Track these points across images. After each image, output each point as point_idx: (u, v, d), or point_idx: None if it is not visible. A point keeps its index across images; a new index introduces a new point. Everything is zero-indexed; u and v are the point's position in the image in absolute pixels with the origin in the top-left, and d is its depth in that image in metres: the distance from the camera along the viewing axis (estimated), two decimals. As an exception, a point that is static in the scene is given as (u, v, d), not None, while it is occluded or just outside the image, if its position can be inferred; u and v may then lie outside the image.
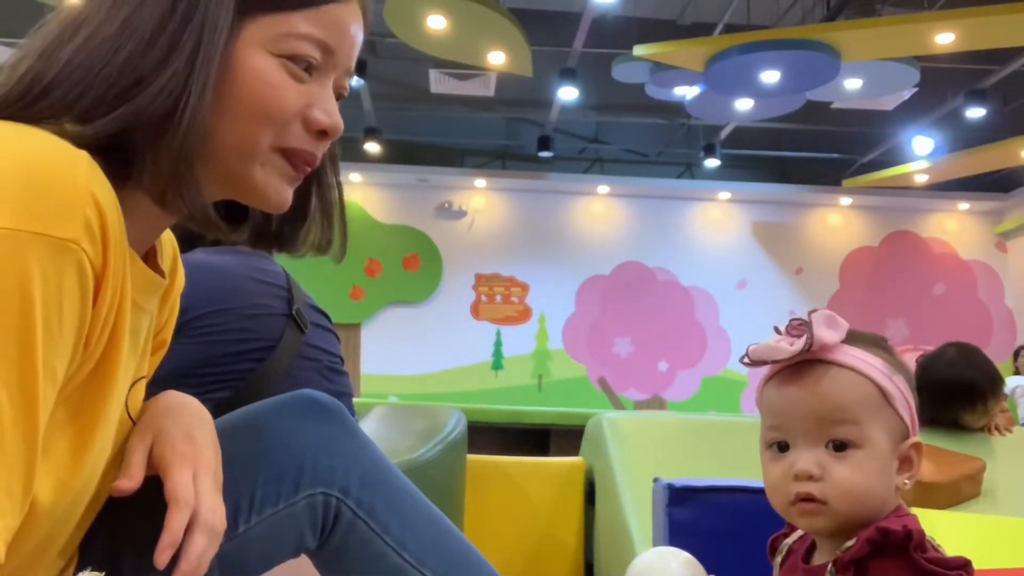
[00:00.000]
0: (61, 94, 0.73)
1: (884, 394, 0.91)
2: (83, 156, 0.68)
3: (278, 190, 0.82)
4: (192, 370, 1.61)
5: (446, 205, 10.87)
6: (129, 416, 0.84)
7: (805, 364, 0.92)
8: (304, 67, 0.80)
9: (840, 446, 0.89)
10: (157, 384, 1.58)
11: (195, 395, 1.58)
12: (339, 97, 0.86)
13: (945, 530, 1.43)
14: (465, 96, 9.16)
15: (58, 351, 0.65)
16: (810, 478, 0.89)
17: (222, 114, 0.76)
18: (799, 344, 0.91)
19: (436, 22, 6.08)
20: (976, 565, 1.35)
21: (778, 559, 0.97)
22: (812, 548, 0.95)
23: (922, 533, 0.86)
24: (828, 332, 0.93)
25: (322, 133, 0.82)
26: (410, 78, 9.08)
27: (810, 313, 0.95)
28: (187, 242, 1.74)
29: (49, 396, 0.65)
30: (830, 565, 0.88)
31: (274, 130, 0.79)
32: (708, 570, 1.02)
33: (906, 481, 0.91)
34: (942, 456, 2.19)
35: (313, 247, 0.95)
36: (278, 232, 0.92)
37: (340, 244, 0.97)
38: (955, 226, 11.27)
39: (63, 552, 0.82)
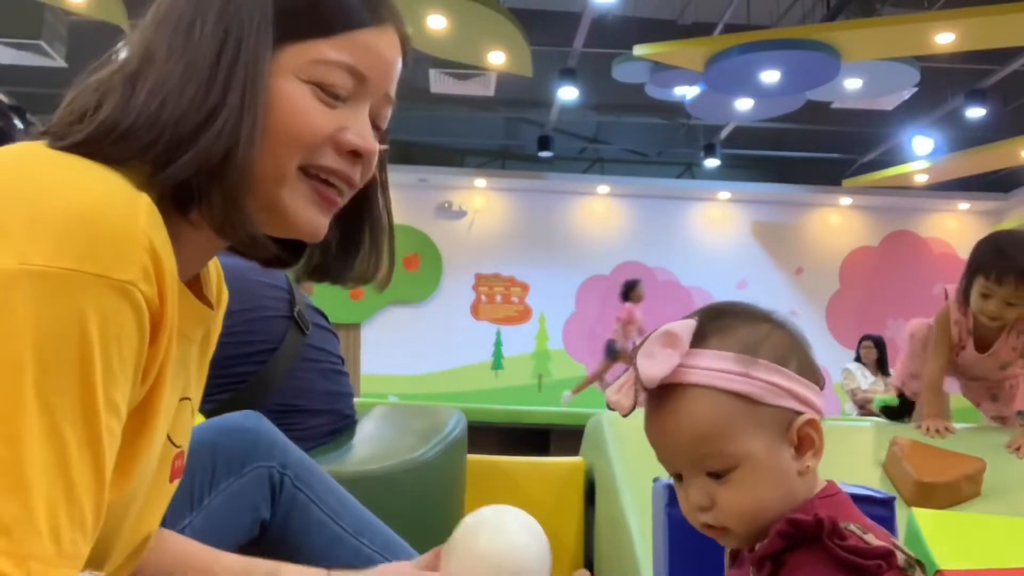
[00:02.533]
0: (138, 140, 0.74)
1: (744, 398, 0.85)
2: (143, 200, 0.70)
3: (309, 216, 0.81)
4: None
5: (446, 205, 10.87)
6: (170, 440, 0.85)
7: (660, 392, 0.87)
8: (334, 94, 0.80)
9: (716, 475, 0.86)
10: None
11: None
12: (377, 127, 0.85)
13: (945, 530, 1.43)
14: (465, 96, 9.16)
15: (118, 386, 0.67)
16: (703, 509, 0.87)
17: (259, 145, 0.77)
18: (629, 397, 0.87)
19: (436, 22, 6.08)
20: (976, 565, 1.34)
21: (728, 550, 0.95)
22: None
23: (834, 520, 0.81)
24: (653, 365, 0.85)
25: (354, 155, 0.81)
26: (410, 78, 9.04)
27: (637, 346, 0.88)
28: None
29: (114, 430, 0.67)
30: (751, 565, 0.86)
31: (302, 154, 0.79)
32: (707, 571, 1.02)
33: (807, 464, 0.86)
34: (942, 456, 2.19)
35: (360, 279, 0.94)
36: (329, 264, 0.93)
37: (387, 274, 0.95)
38: (955, 226, 11.27)
39: None
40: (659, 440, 0.90)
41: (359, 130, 0.81)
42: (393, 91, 0.86)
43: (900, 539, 1.01)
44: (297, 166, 0.79)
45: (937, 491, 2.08)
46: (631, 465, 2.10)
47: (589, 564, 2.36)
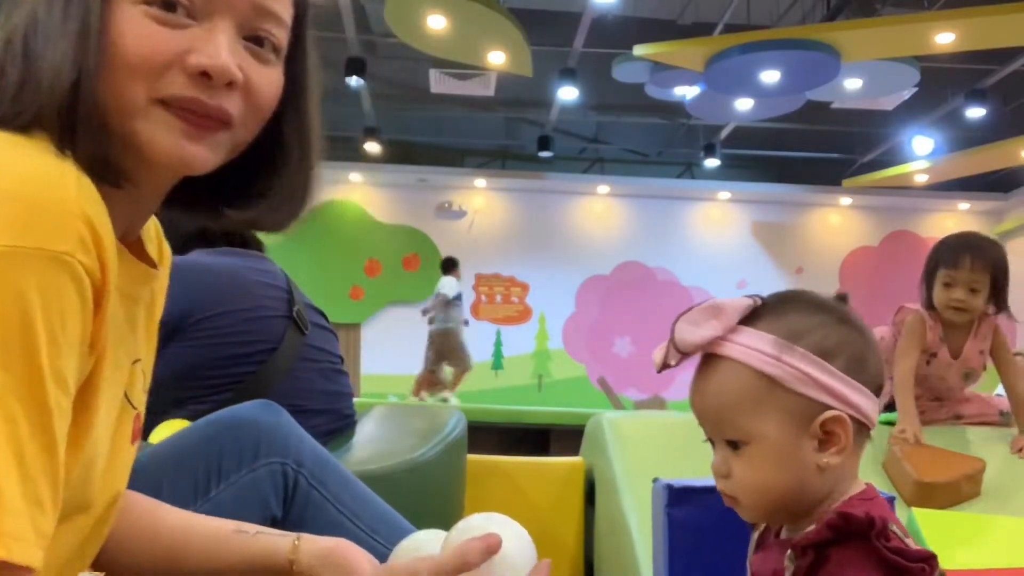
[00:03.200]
0: (13, 93, 0.72)
1: (770, 380, 0.87)
2: (70, 169, 0.69)
3: (169, 143, 0.74)
4: (196, 372, 1.61)
5: (446, 205, 10.87)
6: (128, 400, 0.84)
7: (704, 359, 0.91)
8: (172, 11, 0.73)
9: (734, 444, 0.89)
10: (161, 386, 1.58)
11: (197, 397, 1.58)
12: (258, 40, 0.77)
13: (945, 530, 1.43)
14: (465, 96, 9.17)
15: (64, 358, 0.66)
16: (721, 475, 0.91)
17: (103, 76, 0.72)
18: (661, 354, 0.91)
19: (436, 22, 6.08)
20: (976, 565, 1.35)
21: (755, 534, 0.96)
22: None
23: (885, 520, 0.82)
24: (693, 332, 0.89)
25: (206, 76, 0.73)
26: (410, 78, 9.08)
27: (680, 315, 0.91)
28: (184, 244, 1.74)
29: (63, 403, 0.66)
30: (788, 550, 0.86)
31: (146, 83, 0.73)
32: (708, 571, 1.02)
33: (828, 460, 0.86)
34: (942, 456, 2.19)
35: (266, 224, 0.88)
36: (242, 206, 0.86)
37: (287, 222, 0.88)
38: (955, 226, 11.25)
39: (77, 556, 0.83)
40: (693, 403, 0.93)
41: (210, 49, 0.73)
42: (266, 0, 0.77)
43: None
44: (149, 97, 0.73)
45: (937, 491, 2.08)
46: (631, 465, 2.10)
47: (589, 564, 2.36)
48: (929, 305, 2.43)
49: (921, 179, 9.54)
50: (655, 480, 1.44)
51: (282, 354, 1.67)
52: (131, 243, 0.82)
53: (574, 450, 2.55)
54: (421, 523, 1.71)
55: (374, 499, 1.13)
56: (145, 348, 0.89)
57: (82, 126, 0.71)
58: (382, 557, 0.90)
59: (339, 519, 1.05)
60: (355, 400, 1.94)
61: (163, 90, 0.73)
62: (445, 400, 7.39)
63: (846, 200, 11.04)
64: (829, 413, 0.87)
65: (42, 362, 0.64)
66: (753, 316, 0.90)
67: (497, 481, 2.35)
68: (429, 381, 8.11)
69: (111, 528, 0.88)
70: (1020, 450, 2.36)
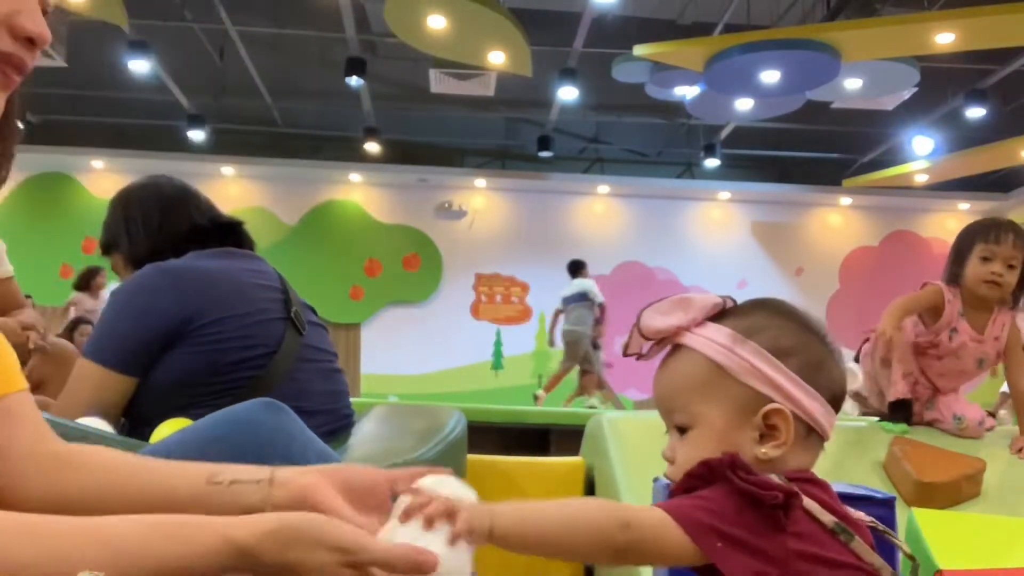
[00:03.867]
0: None
1: (720, 368, 0.91)
2: None
3: None
4: (198, 379, 1.60)
5: (446, 205, 10.87)
6: None
7: (670, 350, 0.96)
8: None
9: (682, 430, 0.93)
10: (163, 392, 1.57)
11: (198, 403, 1.57)
12: (44, 12, 0.83)
13: (945, 530, 1.43)
14: (465, 96, 9.17)
15: None
16: (668, 461, 0.95)
17: None
18: (627, 339, 0.96)
19: (436, 22, 6.08)
20: (976, 565, 1.34)
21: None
22: None
23: (740, 458, 0.85)
24: (656, 319, 0.94)
25: (28, 41, 0.79)
26: (410, 78, 9.08)
27: (649, 304, 0.96)
28: (177, 246, 1.73)
29: None
30: None
31: None
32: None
33: (766, 451, 0.89)
34: (942, 456, 2.19)
35: None
36: None
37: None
38: (955, 226, 11.21)
39: None
40: (654, 389, 0.98)
41: (33, 16, 0.79)
42: None
43: (900, 539, 1.01)
44: None
45: (937, 491, 2.08)
46: (631, 465, 2.10)
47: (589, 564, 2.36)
48: (952, 282, 2.45)
49: (921, 179, 9.54)
50: (655, 480, 1.44)
51: (282, 356, 1.66)
52: None
53: (574, 450, 2.55)
54: (421, 523, 1.71)
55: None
56: None
57: None
58: None
59: None
60: (355, 400, 1.94)
61: None
62: (593, 407, 7.00)
63: (846, 200, 11.04)
64: (771, 406, 0.89)
65: None
66: (721, 314, 0.95)
67: (497, 481, 2.35)
68: (595, 383, 7.89)
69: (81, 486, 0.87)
70: (1020, 450, 2.36)
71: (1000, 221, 2.46)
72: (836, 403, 0.94)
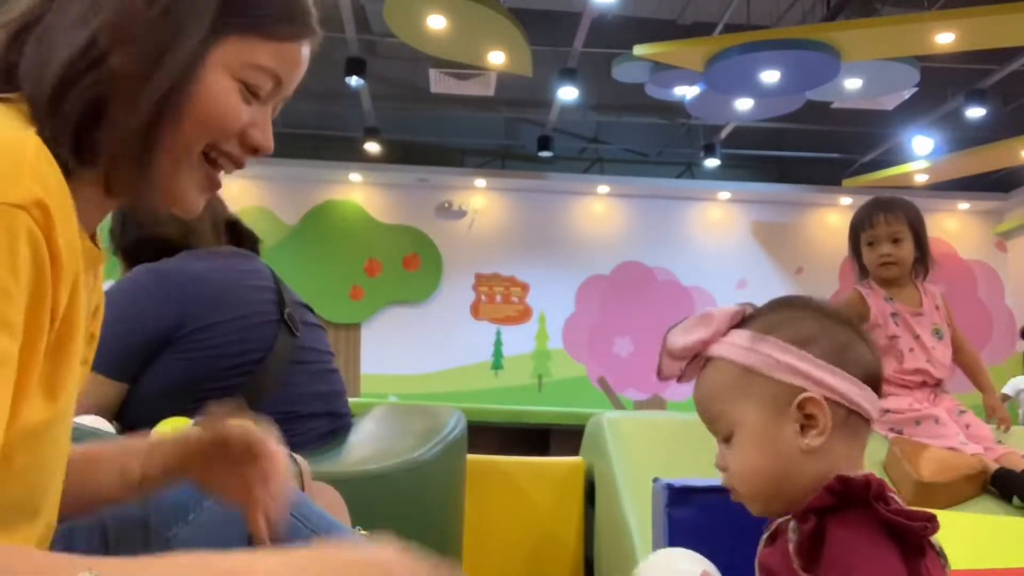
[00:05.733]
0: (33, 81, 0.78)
1: (746, 369, 0.92)
2: (32, 135, 0.73)
3: (195, 199, 0.87)
4: (190, 384, 1.58)
5: (446, 205, 10.87)
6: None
7: (703, 365, 0.98)
8: (256, 95, 0.87)
9: (726, 438, 0.95)
10: (155, 397, 1.56)
11: (190, 408, 1.57)
12: (272, 120, 0.93)
13: (945, 530, 1.43)
14: (465, 96, 9.16)
15: (15, 305, 0.67)
16: (722, 469, 0.96)
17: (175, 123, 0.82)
18: (660, 362, 0.99)
19: (436, 22, 6.08)
20: (976, 565, 1.35)
21: (766, 533, 0.97)
22: None
23: (882, 484, 0.85)
24: (681, 337, 0.96)
25: (254, 150, 0.89)
26: (410, 78, 9.08)
27: (674, 324, 0.98)
28: (168, 250, 1.71)
29: (8, 349, 0.67)
30: (792, 521, 0.89)
31: (212, 140, 0.85)
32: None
33: (809, 442, 0.90)
34: (942, 456, 2.19)
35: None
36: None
37: None
38: (955, 226, 11.27)
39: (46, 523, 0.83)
40: (696, 406, 1.00)
41: (265, 128, 0.89)
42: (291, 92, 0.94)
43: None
44: (200, 151, 0.85)
45: (937, 491, 2.08)
46: (631, 465, 2.10)
47: (589, 564, 2.36)
48: (863, 277, 2.50)
49: (921, 179, 9.54)
50: (655, 480, 1.45)
51: (274, 359, 1.63)
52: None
53: (574, 450, 2.55)
54: (421, 523, 1.71)
55: (339, 524, 1.16)
56: (91, 348, 0.91)
57: (143, 156, 0.80)
58: None
59: (309, 536, 1.08)
60: (355, 400, 1.93)
61: (219, 147, 0.86)
62: None
63: (846, 200, 11.03)
64: (804, 395, 0.90)
65: None
66: (742, 322, 0.97)
67: (497, 481, 2.35)
68: None
69: None
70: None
71: (869, 204, 2.52)
72: (873, 382, 0.94)
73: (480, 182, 10.79)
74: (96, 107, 0.78)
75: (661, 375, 0.99)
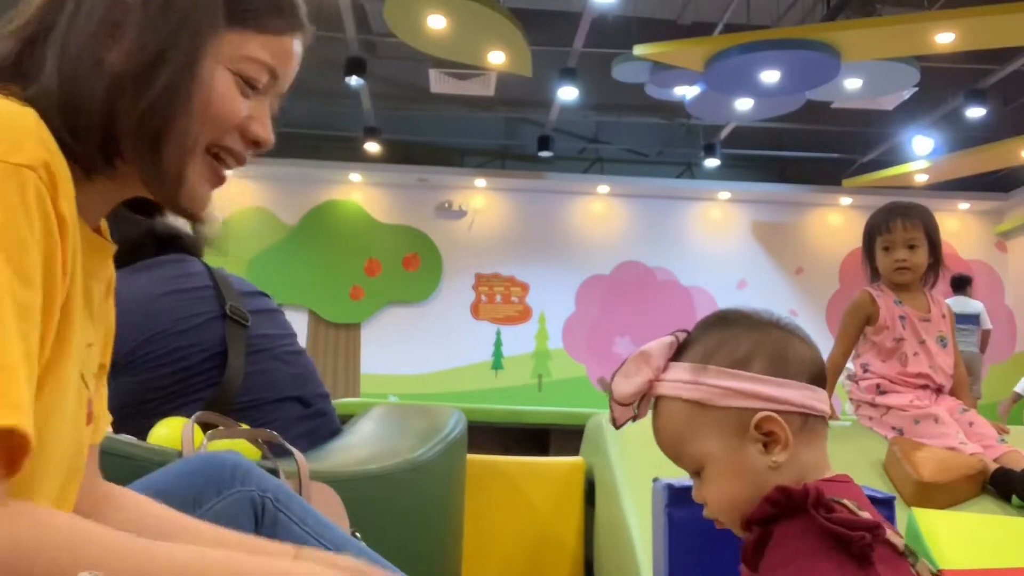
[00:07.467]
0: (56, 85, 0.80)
1: (697, 404, 0.92)
2: (31, 112, 0.76)
3: (203, 193, 0.89)
4: (149, 396, 1.58)
5: (446, 205, 10.87)
6: (83, 379, 0.86)
7: (653, 405, 0.98)
8: (253, 87, 0.89)
9: (696, 475, 0.96)
10: (125, 417, 1.55)
11: (166, 412, 1.56)
12: (272, 117, 0.95)
13: (945, 530, 1.43)
14: (465, 96, 9.16)
15: (31, 257, 0.69)
16: (701, 504, 0.96)
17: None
18: (612, 411, 0.98)
19: (436, 22, 6.08)
20: (976, 565, 1.34)
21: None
22: None
23: (820, 491, 0.85)
24: (626, 384, 0.96)
25: (255, 144, 0.91)
26: (410, 78, 9.08)
27: (615, 370, 0.97)
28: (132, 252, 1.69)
29: (29, 301, 0.69)
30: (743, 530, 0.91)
31: (215, 135, 0.87)
32: (708, 571, 1.03)
33: (775, 459, 0.90)
34: (942, 456, 2.19)
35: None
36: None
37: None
38: (955, 226, 11.27)
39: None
40: (658, 445, 0.99)
41: (264, 122, 0.92)
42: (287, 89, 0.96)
43: (900, 539, 1.01)
44: (205, 145, 0.87)
45: (937, 491, 2.08)
46: (631, 465, 2.10)
47: (589, 564, 2.36)
48: (874, 280, 2.52)
49: (921, 179, 9.54)
50: (655, 480, 1.45)
51: (232, 353, 1.64)
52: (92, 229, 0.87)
53: (574, 450, 2.55)
54: (421, 523, 1.71)
55: (333, 527, 1.18)
56: (99, 335, 0.92)
57: (157, 152, 0.82)
58: None
59: (305, 537, 1.10)
60: (355, 400, 1.93)
61: (220, 142, 0.88)
62: None
63: (846, 200, 11.03)
64: (759, 415, 0.90)
65: (2, 265, 0.67)
66: (679, 351, 0.96)
67: (497, 481, 2.35)
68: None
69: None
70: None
71: (888, 208, 2.51)
72: (818, 379, 0.94)
73: (480, 182, 10.79)
74: (107, 106, 0.81)
75: (616, 424, 0.98)
